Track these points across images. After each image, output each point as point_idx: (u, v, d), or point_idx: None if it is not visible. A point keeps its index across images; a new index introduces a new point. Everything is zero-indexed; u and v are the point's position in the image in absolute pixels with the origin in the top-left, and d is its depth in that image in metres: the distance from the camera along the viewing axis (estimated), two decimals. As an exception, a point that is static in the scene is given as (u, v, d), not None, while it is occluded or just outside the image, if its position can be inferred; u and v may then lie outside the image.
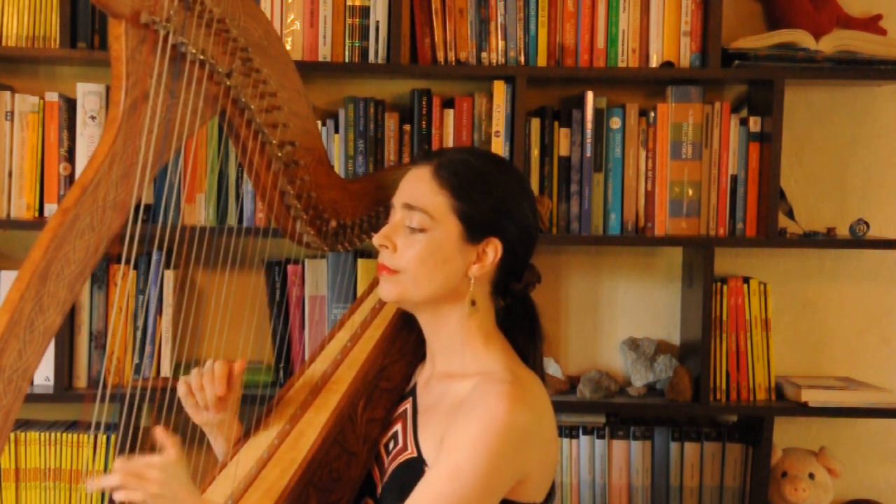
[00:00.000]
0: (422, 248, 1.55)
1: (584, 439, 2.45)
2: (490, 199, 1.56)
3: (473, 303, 1.56)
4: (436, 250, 1.55)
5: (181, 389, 1.66)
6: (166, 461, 1.42)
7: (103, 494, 2.32)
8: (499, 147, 2.36)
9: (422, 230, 1.55)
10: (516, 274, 1.63)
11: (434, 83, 2.46)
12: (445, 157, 1.60)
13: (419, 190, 1.57)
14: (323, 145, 1.75)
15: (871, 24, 2.53)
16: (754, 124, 2.42)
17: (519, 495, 1.52)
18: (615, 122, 2.42)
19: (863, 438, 2.63)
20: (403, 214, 1.58)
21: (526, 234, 1.60)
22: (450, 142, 2.39)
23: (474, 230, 1.56)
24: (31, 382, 1.33)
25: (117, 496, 1.40)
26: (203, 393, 1.65)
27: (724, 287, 2.43)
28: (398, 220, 1.58)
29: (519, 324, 1.66)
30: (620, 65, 2.42)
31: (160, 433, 1.50)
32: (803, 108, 2.58)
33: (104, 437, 2.33)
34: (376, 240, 1.58)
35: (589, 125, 2.40)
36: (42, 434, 2.33)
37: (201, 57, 1.49)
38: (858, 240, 2.44)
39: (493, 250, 1.56)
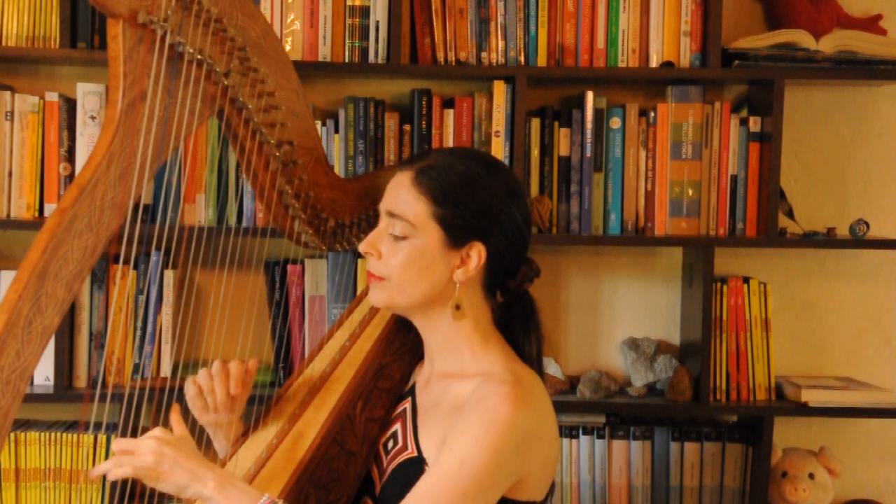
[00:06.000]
0: (405, 255, 1.55)
1: (584, 439, 2.45)
2: (471, 203, 1.55)
3: (458, 307, 1.56)
4: (418, 257, 1.55)
5: (190, 391, 1.65)
6: (162, 433, 1.41)
7: (103, 495, 2.32)
8: (499, 147, 2.36)
9: (404, 238, 1.56)
10: (510, 271, 1.62)
11: (434, 83, 2.46)
12: (427, 162, 1.59)
13: (400, 197, 1.57)
14: (321, 145, 1.75)
15: (871, 24, 2.53)
16: (754, 124, 2.42)
17: (519, 494, 1.52)
18: (615, 122, 2.42)
19: (863, 438, 2.63)
20: (387, 222, 1.59)
21: (513, 236, 1.59)
22: (450, 142, 2.39)
23: (455, 235, 1.55)
24: (31, 382, 1.33)
25: (113, 475, 1.38)
26: (214, 395, 1.64)
27: (724, 287, 2.43)
28: (382, 227, 1.59)
29: (517, 321, 1.65)
30: (620, 65, 2.42)
31: (174, 416, 1.51)
32: (803, 108, 2.58)
33: (104, 437, 2.34)
34: (361, 247, 1.59)
35: (589, 125, 2.40)
36: (42, 434, 2.33)
37: (199, 56, 1.49)
38: (858, 240, 2.44)
39: (476, 254, 1.56)
